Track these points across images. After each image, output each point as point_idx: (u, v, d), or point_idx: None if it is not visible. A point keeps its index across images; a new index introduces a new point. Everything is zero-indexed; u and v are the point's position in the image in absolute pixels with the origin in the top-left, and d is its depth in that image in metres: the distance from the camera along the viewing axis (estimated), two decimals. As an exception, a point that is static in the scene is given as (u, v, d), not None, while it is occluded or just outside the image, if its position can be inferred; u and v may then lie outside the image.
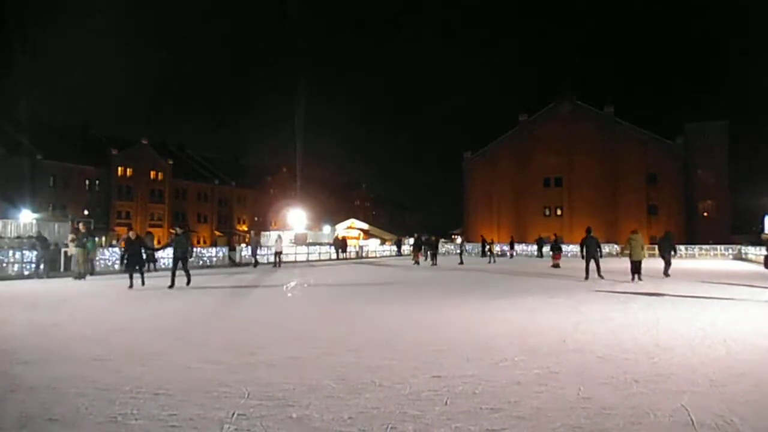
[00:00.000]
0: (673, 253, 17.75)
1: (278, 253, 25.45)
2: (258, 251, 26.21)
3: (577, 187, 53.71)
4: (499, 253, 34.39)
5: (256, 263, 25.05)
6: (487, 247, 32.01)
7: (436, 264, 26.25)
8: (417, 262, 27.14)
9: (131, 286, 13.44)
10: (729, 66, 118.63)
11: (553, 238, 24.62)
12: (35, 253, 17.56)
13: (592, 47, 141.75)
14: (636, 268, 15.63)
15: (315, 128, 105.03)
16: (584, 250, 16.68)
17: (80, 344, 6.57)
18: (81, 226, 19.66)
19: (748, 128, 73.54)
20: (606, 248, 33.41)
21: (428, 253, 28.25)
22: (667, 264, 17.28)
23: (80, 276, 16.57)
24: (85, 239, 17.44)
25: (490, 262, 29.49)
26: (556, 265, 23.48)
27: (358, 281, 17.17)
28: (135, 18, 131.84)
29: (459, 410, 4.00)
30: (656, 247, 20.20)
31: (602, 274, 16.30)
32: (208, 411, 3.98)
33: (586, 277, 16.14)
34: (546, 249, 29.76)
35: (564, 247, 26.34)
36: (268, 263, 27.86)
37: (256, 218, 75.29)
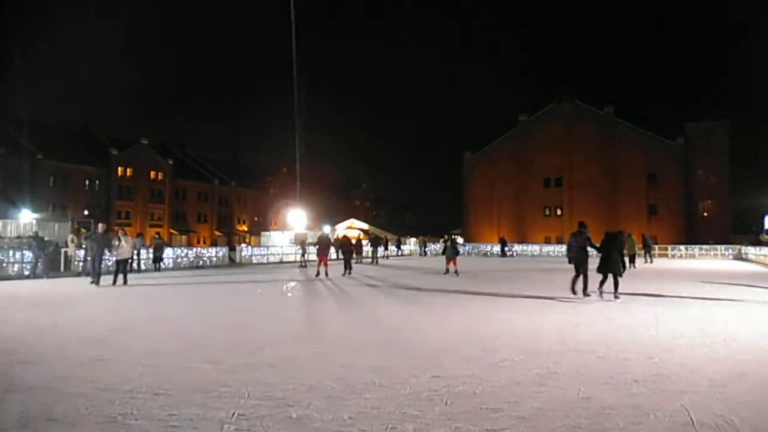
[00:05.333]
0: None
1: (123, 261, 15.04)
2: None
3: (577, 187, 53.62)
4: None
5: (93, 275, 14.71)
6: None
7: (350, 274, 18.90)
8: (318, 273, 17.83)
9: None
10: (729, 66, 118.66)
11: (446, 238, 25.24)
12: (32, 253, 17.52)
13: (592, 47, 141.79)
14: (631, 260, 22.16)
15: (315, 128, 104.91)
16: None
17: (80, 344, 6.57)
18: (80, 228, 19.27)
19: (749, 128, 73.73)
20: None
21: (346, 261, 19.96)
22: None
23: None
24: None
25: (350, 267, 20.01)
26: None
27: (358, 281, 17.15)
28: (135, 18, 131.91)
29: (459, 410, 4.00)
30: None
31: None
32: (208, 411, 3.98)
33: None
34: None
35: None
36: (269, 263, 27.88)
37: (256, 218, 75.34)
